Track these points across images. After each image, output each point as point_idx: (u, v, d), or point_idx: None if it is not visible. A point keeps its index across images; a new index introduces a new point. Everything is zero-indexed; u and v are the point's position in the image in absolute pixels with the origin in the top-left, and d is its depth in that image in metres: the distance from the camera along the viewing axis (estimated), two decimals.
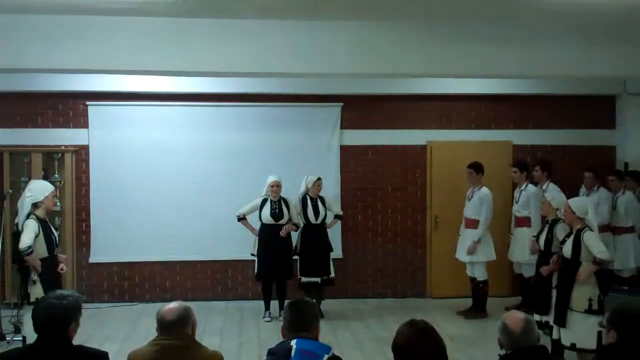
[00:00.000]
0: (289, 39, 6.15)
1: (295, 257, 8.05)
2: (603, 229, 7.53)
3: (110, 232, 8.59)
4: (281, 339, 3.34)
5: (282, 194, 7.98)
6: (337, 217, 8.28)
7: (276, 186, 7.88)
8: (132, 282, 8.80)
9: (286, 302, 3.66)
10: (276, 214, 7.90)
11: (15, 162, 8.42)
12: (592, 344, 5.46)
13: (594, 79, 8.41)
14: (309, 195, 8.03)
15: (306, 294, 7.69)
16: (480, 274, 8.01)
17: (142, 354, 3.28)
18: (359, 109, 8.95)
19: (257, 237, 8.00)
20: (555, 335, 5.89)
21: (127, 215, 8.58)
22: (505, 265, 8.50)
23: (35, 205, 6.14)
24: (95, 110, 8.64)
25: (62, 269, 6.37)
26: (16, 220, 6.31)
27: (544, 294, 6.12)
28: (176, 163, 8.68)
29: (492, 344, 3.49)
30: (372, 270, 9.10)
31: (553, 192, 6.93)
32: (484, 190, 7.99)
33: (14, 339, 6.88)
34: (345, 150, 8.97)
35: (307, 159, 8.74)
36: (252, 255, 8.06)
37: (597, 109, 9.20)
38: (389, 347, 2.98)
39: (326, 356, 3.22)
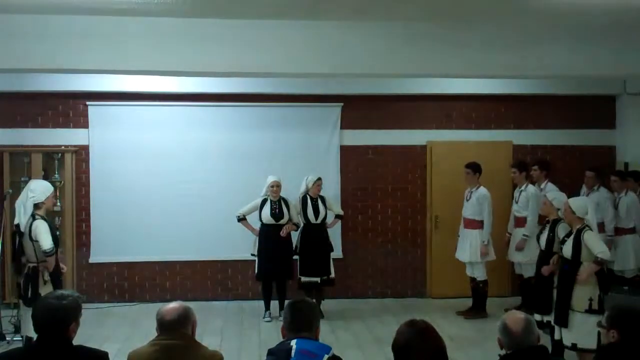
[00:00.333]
0: (289, 39, 6.15)
1: (296, 257, 8.06)
2: (601, 229, 7.52)
3: (110, 232, 8.59)
4: (281, 339, 3.34)
5: (282, 194, 7.98)
6: (337, 217, 8.28)
7: (276, 186, 7.89)
8: (132, 282, 8.80)
9: (286, 302, 3.66)
10: (276, 214, 7.91)
11: (15, 162, 8.42)
12: (592, 344, 5.44)
13: (594, 79, 8.41)
14: (309, 195, 8.03)
15: (306, 293, 7.70)
16: (480, 274, 8.01)
17: (142, 354, 3.28)
18: (359, 109, 8.95)
19: (257, 237, 8.00)
20: (556, 336, 5.89)
21: (127, 215, 8.58)
22: (505, 265, 8.51)
23: (36, 206, 6.16)
24: (95, 110, 8.64)
25: (63, 269, 6.40)
26: (16, 221, 6.29)
27: (545, 294, 6.11)
28: (176, 163, 8.68)
29: (492, 344, 3.49)
30: (372, 270, 9.10)
31: (554, 192, 6.92)
32: (482, 190, 7.99)
33: (14, 339, 6.87)
34: (345, 150, 8.97)
35: (307, 159, 8.74)
36: (252, 255, 8.07)
37: (597, 109, 9.20)
38: (389, 347, 2.98)
39: (326, 356, 3.22)
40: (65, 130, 8.63)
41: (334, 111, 8.93)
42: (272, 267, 7.90)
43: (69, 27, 5.89)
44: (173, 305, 3.40)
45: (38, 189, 6.25)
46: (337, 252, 8.50)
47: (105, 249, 8.64)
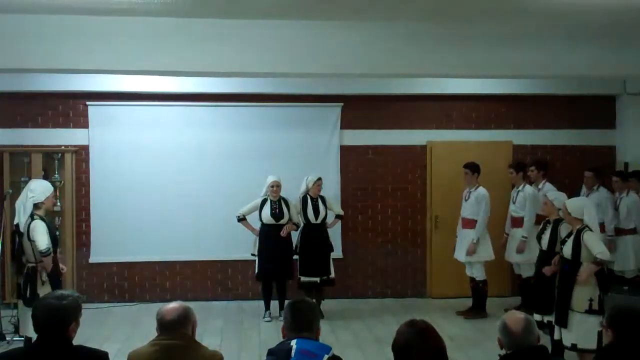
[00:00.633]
0: (289, 39, 6.15)
1: (296, 257, 8.06)
2: (602, 229, 7.51)
3: (110, 232, 8.59)
4: (281, 339, 3.34)
5: (282, 194, 7.98)
6: (337, 217, 8.28)
7: (276, 186, 7.89)
8: (132, 282, 8.80)
9: (286, 302, 3.66)
10: (276, 214, 7.91)
11: (15, 162, 8.42)
12: (592, 344, 5.45)
13: (594, 79, 8.40)
14: (309, 195, 8.03)
15: (306, 293, 7.70)
16: (479, 274, 8.01)
17: (142, 354, 3.28)
18: (359, 109, 8.95)
19: (258, 237, 8.00)
20: (556, 336, 5.88)
21: (127, 215, 8.58)
22: (505, 265, 8.51)
23: (36, 206, 6.15)
24: (95, 110, 8.64)
25: (62, 269, 6.40)
26: (16, 221, 6.30)
27: (546, 294, 6.09)
28: (176, 163, 8.68)
29: (492, 344, 3.49)
30: (372, 270, 9.10)
31: (555, 192, 6.91)
32: (481, 190, 7.99)
33: (14, 339, 6.87)
34: (345, 150, 8.97)
35: (307, 159, 8.74)
36: (253, 255, 8.07)
37: (597, 109, 9.20)
38: (389, 347, 2.98)
39: (326, 356, 3.22)
40: (65, 130, 8.63)
41: (334, 111, 8.93)
42: (272, 267, 7.90)
43: (69, 27, 5.88)
44: (173, 305, 3.40)
45: (38, 189, 6.24)
46: (337, 252, 8.50)
47: (105, 249, 8.64)
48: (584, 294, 5.66)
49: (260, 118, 8.81)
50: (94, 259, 8.67)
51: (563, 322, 5.76)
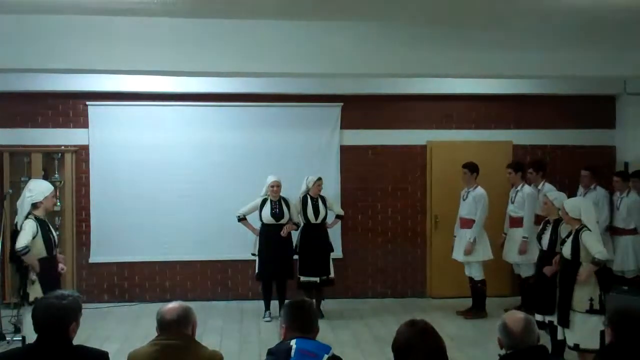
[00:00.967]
0: (289, 39, 6.15)
1: (296, 256, 8.06)
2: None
3: (110, 232, 8.59)
4: (281, 339, 3.34)
5: (282, 194, 7.98)
6: (338, 217, 8.28)
7: (276, 186, 7.89)
8: (132, 282, 8.80)
9: (285, 302, 3.66)
10: (276, 213, 7.91)
11: (15, 162, 8.42)
12: (595, 344, 5.43)
13: (594, 79, 8.40)
14: (309, 195, 8.03)
15: (306, 293, 7.70)
16: (477, 274, 8.02)
17: (142, 354, 3.28)
18: (359, 109, 8.95)
19: (258, 237, 8.00)
20: (559, 336, 5.89)
21: (127, 215, 8.58)
22: (505, 265, 8.50)
23: (34, 206, 6.13)
24: (95, 110, 8.64)
25: (62, 269, 6.37)
26: (15, 220, 6.30)
27: (547, 294, 6.08)
28: (176, 163, 8.68)
29: (492, 344, 3.49)
30: (372, 270, 9.10)
31: (555, 192, 6.91)
32: (479, 190, 8.00)
33: (14, 339, 6.87)
34: (345, 150, 8.97)
35: (307, 159, 8.74)
36: (253, 255, 8.07)
37: (597, 109, 9.21)
38: (389, 347, 2.98)
39: (326, 356, 3.22)
40: (65, 130, 8.64)
41: (334, 111, 8.93)
42: (273, 267, 7.90)
43: (69, 27, 5.88)
44: (173, 305, 3.40)
45: (36, 189, 6.22)
46: (337, 252, 8.50)
47: (105, 249, 8.64)
48: (584, 294, 5.66)
49: (261, 118, 8.81)
50: (94, 259, 8.67)
51: (565, 323, 5.76)
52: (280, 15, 5.93)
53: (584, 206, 5.88)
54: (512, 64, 6.45)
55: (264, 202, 7.95)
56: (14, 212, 6.67)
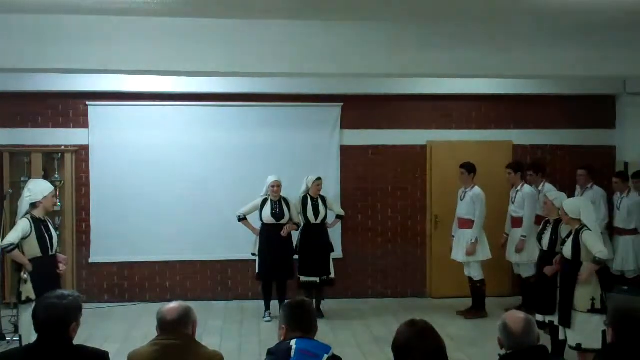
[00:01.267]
0: (289, 39, 6.15)
1: (296, 256, 8.06)
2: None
3: (110, 232, 8.59)
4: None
5: (282, 194, 7.98)
6: (338, 217, 8.28)
7: (277, 186, 7.88)
8: (132, 282, 8.80)
9: (285, 302, 3.66)
10: (277, 213, 7.91)
11: (15, 162, 8.43)
12: (597, 344, 5.40)
13: (594, 79, 8.40)
14: (309, 195, 8.03)
15: (306, 293, 7.70)
16: (476, 274, 8.02)
17: (142, 354, 3.27)
18: (359, 109, 8.95)
19: (258, 237, 8.00)
20: (561, 336, 5.88)
21: (127, 215, 8.58)
22: (505, 265, 8.50)
23: (33, 205, 6.12)
24: (95, 110, 8.64)
25: (61, 270, 6.35)
26: (16, 220, 6.30)
27: (549, 294, 6.07)
28: (176, 163, 8.68)
29: (492, 344, 3.49)
30: (372, 270, 9.10)
31: (555, 192, 6.91)
32: (476, 190, 8.00)
33: (14, 339, 6.87)
34: (345, 150, 8.97)
35: (307, 159, 8.74)
36: (253, 254, 8.07)
37: (597, 109, 9.21)
38: (389, 347, 2.98)
39: (326, 356, 3.22)
40: (65, 130, 8.64)
41: (334, 111, 8.93)
42: (273, 267, 7.90)
43: (69, 27, 5.88)
44: (174, 305, 3.40)
45: (35, 189, 6.20)
46: (337, 252, 8.50)
47: (105, 249, 8.64)
48: (585, 293, 5.66)
49: (260, 118, 8.81)
50: (94, 259, 8.67)
51: (566, 323, 5.75)
52: (280, 15, 5.93)
53: (584, 206, 5.87)
54: (512, 64, 6.45)
55: (264, 202, 7.95)
56: (15, 212, 6.66)
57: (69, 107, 8.66)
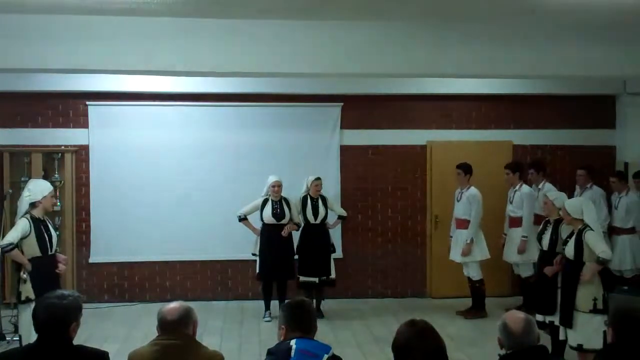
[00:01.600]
0: (289, 39, 6.15)
1: (297, 256, 8.06)
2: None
3: (110, 232, 8.59)
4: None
5: (282, 194, 7.97)
6: (340, 217, 8.27)
7: (277, 186, 7.88)
8: (132, 282, 8.80)
9: (285, 302, 3.66)
10: (277, 213, 7.91)
11: (15, 162, 8.43)
12: (599, 344, 5.38)
13: (594, 79, 8.40)
14: (309, 195, 8.03)
15: (306, 293, 7.70)
16: (475, 274, 8.02)
17: (143, 354, 3.27)
18: (359, 109, 8.95)
19: (259, 237, 8.00)
20: (562, 336, 5.87)
21: (127, 215, 8.58)
22: (505, 265, 8.50)
23: (32, 205, 6.12)
24: (95, 110, 8.64)
25: (60, 269, 6.35)
26: (15, 220, 6.30)
27: (549, 295, 6.07)
28: (176, 163, 8.68)
29: (492, 344, 3.49)
30: (372, 270, 9.10)
31: (555, 192, 6.91)
32: (472, 190, 8.01)
33: (14, 339, 6.87)
34: (345, 150, 8.97)
35: (307, 159, 8.74)
36: (254, 254, 8.07)
37: (597, 109, 9.21)
38: (389, 347, 2.98)
39: (326, 356, 3.22)
40: (65, 130, 8.64)
41: (334, 111, 8.93)
42: (274, 266, 7.90)
43: (69, 27, 5.88)
44: (174, 305, 3.40)
45: (35, 189, 6.20)
46: (337, 252, 8.49)
47: (105, 249, 8.64)
48: (588, 293, 5.65)
49: (260, 118, 8.81)
50: (94, 259, 8.67)
51: (568, 323, 5.73)
52: (280, 15, 5.93)
53: (586, 206, 5.87)
54: (512, 64, 6.45)
55: (265, 202, 7.95)
56: (15, 212, 6.67)
57: (69, 107, 8.66)
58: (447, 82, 8.57)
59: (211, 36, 6.06)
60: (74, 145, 8.61)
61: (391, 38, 6.25)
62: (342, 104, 8.90)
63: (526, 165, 8.52)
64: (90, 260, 8.67)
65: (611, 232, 8.15)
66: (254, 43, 6.11)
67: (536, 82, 8.75)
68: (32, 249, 6.06)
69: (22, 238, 5.98)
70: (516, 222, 8.06)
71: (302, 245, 8.01)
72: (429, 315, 7.35)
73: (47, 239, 6.15)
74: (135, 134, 8.64)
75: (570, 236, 5.87)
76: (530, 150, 9.18)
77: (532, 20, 6.15)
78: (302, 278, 7.94)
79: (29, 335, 5.27)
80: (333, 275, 8.06)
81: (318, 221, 8.01)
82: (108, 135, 8.61)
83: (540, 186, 8.12)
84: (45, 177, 7.96)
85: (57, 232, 6.79)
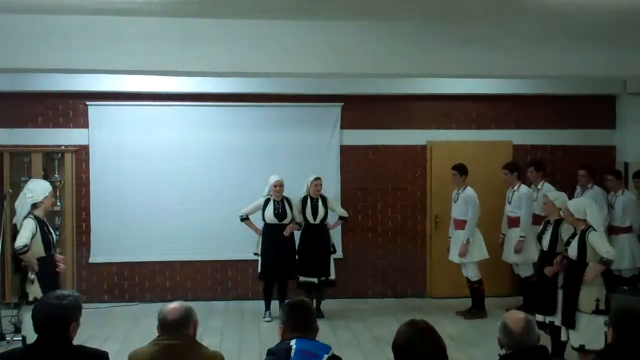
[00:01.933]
0: (289, 39, 6.15)
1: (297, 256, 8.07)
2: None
3: (110, 232, 8.59)
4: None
5: (283, 194, 7.97)
6: (341, 218, 8.26)
7: (279, 186, 7.88)
8: (132, 282, 8.80)
9: (285, 302, 3.66)
10: (279, 213, 7.90)
11: (15, 162, 8.43)
12: (601, 345, 5.33)
13: (594, 79, 8.41)
14: (309, 195, 8.03)
15: (306, 293, 7.69)
16: (473, 274, 8.02)
17: (143, 354, 3.28)
18: (359, 109, 8.95)
19: (260, 237, 8.00)
20: (563, 337, 5.86)
21: (127, 215, 8.58)
22: (504, 265, 8.49)
23: (34, 206, 6.13)
24: (95, 110, 8.64)
25: (61, 269, 6.36)
26: (14, 221, 6.31)
27: (549, 295, 6.06)
28: (176, 163, 8.68)
29: (492, 344, 3.49)
30: (372, 270, 9.10)
31: (555, 192, 6.90)
32: (468, 190, 8.01)
33: (14, 339, 6.87)
34: (345, 150, 8.97)
35: (307, 159, 8.74)
36: (255, 254, 8.07)
37: (597, 109, 9.21)
38: (389, 347, 2.98)
39: (326, 356, 3.22)
40: (65, 130, 8.64)
41: (334, 111, 8.93)
42: (275, 266, 7.89)
43: (69, 27, 5.88)
44: (175, 305, 3.40)
45: (36, 189, 6.23)
46: (337, 252, 8.49)
47: (105, 249, 8.64)
48: (590, 294, 5.63)
49: (260, 118, 8.81)
50: (94, 259, 8.67)
51: (570, 323, 5.72)
52: (280, 15, 5.93)
53: (589, 207, 5.86)
54: (512, 64, 6.46)
55: (266, 202, 7.94)
56: (14, 212, 6.67)
57: (69, 107, 8.66)
58: (447, 82, 8.57)
59: (211, 36, 6.07)
60: (74, 146, 8.61)
61: (391, 38, 6.25)
62: (342, 104, 8.90)
63: (525, 164, 8.51)
64: (90, 260, 8.67)
65: (610, 231, 8.14)
66: (254, 43, 6.12)
67: (536, 82, 8.75)
68: (38, 249, 6.10)
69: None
70: (515, 222, 8.06)
71: (302, 246, 8.01)
72: (429, 315, 7.36)
73: (49, 239, 6.19)
74: (135, 134, 8.64)
75: (572, 237, 5.85)
76: (530, 150, 9.18)
77: (532, 21, 6.15)
78: (301, 278, 7.94)
79: (33, 336, 5.28)
80: (333, 276, 8.05)
81: (317, 221, 8.00)
82: (108, 135, 8.61)
83: (539, 186, 8.13)
84: (45, 177, 7.98)
85: (57, 232, 6.81)
